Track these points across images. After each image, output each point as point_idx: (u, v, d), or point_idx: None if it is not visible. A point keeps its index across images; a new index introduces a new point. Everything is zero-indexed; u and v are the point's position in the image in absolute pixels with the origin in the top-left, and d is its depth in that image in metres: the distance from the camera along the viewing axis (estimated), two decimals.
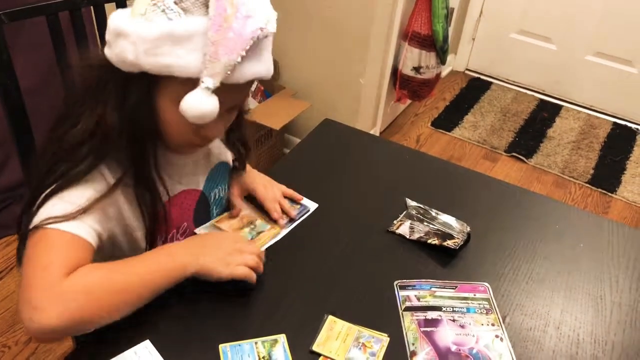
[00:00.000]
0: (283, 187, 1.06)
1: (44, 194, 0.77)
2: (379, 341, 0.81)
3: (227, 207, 1.04)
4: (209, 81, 0.70)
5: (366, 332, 0.82)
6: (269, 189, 1.04)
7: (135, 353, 0.76)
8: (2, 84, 0.97)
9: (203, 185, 0.96)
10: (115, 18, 0.74)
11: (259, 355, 0.77)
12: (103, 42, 0.78)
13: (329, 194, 1.08)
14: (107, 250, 0.84)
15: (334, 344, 0.81)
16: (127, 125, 0.77)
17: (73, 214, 0.75)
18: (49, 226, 0.74)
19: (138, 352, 0.76)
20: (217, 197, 1.01)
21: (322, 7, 2.07)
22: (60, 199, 0.76)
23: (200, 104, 0.70)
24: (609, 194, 2.48)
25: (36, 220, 0.75)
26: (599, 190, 2.50)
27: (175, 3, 0.70)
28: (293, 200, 1.06)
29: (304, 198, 1.06)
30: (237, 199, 1.03)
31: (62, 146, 0.78)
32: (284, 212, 1.02)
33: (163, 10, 0.70)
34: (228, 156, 1.02)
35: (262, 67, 0.76)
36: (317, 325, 0.82)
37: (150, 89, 0.76)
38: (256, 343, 0.79)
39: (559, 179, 2.55)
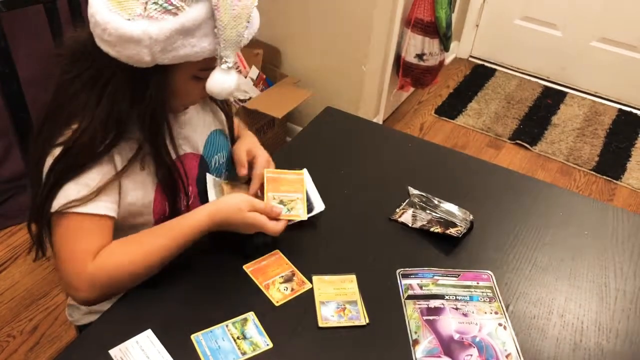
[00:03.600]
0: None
1: (56, 179, 0.80)
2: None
3: (231, 174, 1.05)
4: (229, 60, 0.75)
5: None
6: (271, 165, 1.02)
7: (137, 342, 0.76)
8: (1, 72, 0.96)
9: (202, 150, 0.97)
10: (109, 20, 0.72)
11: (232, 337, 0.78)
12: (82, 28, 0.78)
13: (330, 182, 1.07)
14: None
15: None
16: (144, 112, 0.80)
17: (89, 195, 0.80)
18: (69, 210, 0.79)
19: (140, 341, 0.76)
20: (217, 164, 1.01)
21: None
22: (76, 183, 0.80)
23: (224, 82, 0.76)
24: (614, 181, 2.47)
25: (55, 205, 0.79)
26: (604, 177, 2.48)
27: None
28: (309, 200, 0.98)
29: (319, 199, 0.99)
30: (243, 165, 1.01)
31: (75, 142, 0.79)
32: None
33: (165, 8, 0.71)
34: (223, 121, 1.03)
35: (256, 22, 0.80)
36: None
37: (167, 75, 0.78)
38: (227, 326, 0.79)
39: (563, 167, 2.53)
